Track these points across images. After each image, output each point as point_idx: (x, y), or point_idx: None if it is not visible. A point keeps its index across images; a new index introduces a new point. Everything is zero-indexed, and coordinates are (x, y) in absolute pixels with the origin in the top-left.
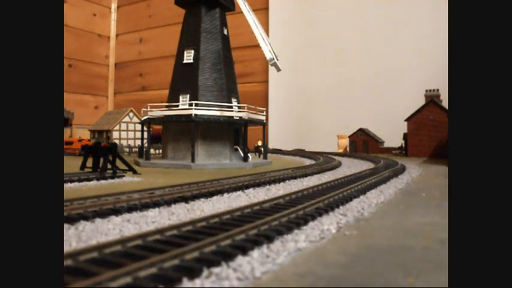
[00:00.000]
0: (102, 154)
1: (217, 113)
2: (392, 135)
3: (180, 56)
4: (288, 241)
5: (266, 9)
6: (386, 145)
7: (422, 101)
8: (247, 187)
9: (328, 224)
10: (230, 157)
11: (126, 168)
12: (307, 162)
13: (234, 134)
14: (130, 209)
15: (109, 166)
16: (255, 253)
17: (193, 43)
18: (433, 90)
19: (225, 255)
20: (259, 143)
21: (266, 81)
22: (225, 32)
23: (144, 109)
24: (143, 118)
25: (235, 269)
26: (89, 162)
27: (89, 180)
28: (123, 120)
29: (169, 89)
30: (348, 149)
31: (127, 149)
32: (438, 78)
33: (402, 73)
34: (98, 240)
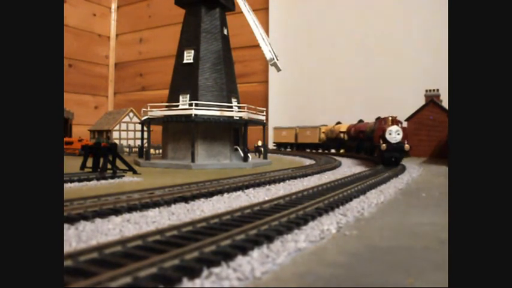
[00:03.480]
0: (102, 154)
1: (217, 113)
2: None
3: (180, 56)
4: (288, 241)
5: (266, 9)
6: None
7: (422, 101)
8: (247, 187)
9: (328, 224)
10: (230, 157)
11: (126, 168)
12: (307, 162)
13: (234, 134)
14: (130, 209)
15: (109, 166)
16: (255, 253)
17: (193, 43)
18: (433, 90)
19: (225, 255)
20: (259, 143)
21: (266, 81)
22: (225, 32)
23: (144, 109)
24: (143, 118)
25: (235, 269)
26: (89, 162)
27: (89, 180)
28: (123, 120)
29: (169, 89)
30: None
31: (127, 149)
32: (438, 78)
33: (402, 73)
34: (98, 240)
